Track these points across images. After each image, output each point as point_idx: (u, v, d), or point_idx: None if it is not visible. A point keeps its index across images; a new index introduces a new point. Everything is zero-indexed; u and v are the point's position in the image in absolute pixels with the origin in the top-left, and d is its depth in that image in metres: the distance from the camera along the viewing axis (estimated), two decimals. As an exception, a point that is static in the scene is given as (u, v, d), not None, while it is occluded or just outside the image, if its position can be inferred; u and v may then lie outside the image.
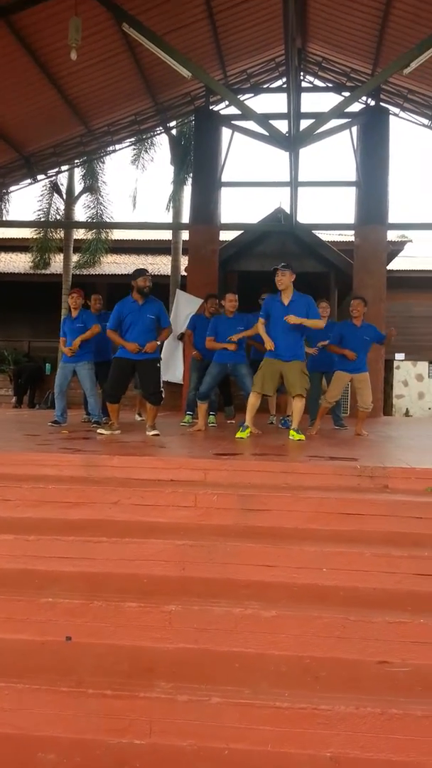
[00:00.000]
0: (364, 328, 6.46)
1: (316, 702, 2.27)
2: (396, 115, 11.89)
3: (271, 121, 9.10)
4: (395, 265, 14.62)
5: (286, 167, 10.74)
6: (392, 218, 11.40)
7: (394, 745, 2.20)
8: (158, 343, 5.47)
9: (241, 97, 11.31)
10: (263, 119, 9.03)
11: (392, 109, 11.76)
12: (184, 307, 9.89)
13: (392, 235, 13.92)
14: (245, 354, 6.46)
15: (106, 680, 2.41)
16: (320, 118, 8.98)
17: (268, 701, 2.28)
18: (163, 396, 5.63)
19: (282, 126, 9.69)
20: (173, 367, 9.58)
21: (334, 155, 53.48)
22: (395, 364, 14.27)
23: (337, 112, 9.15)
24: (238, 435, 5.44)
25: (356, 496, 3.51)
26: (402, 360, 14.58)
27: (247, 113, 9.12)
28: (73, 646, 2.66)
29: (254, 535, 3.22)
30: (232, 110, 11.52)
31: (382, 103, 11.61)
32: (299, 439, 5.39)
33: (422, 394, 14.42)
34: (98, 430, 5.67)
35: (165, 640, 2.66)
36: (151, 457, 4.12)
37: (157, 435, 5.43)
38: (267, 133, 9.08)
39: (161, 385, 5.67)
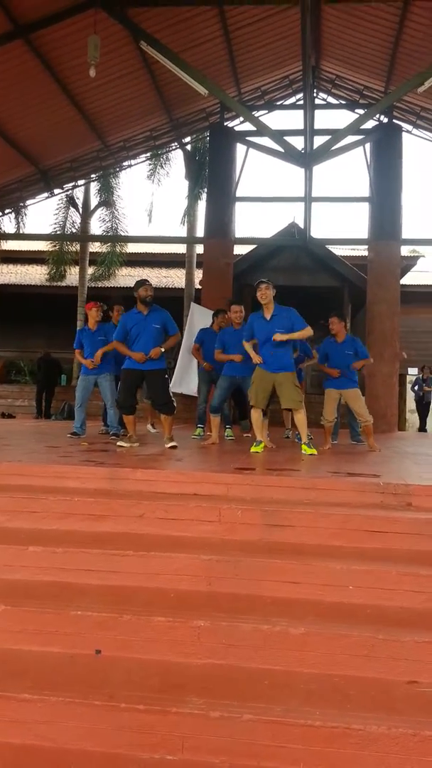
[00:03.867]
0: (347, 342, 6.46)
1: (348, 721, 2.27)
2: (409, 132, 12.01)
3: (285, 138, 9.20)
4: (408, 279, 14.65)
5: (300, 182, 10.85)
6: (405, 234, 11.47)
7: (427, 767, 2.19)
8: (162, 349, 5.42)
9: (256, 114, 11.45)
10: (279, 136, 9.14)
11: (405, 126, 11.88)
12: (199, 320, 9.94)
13: (404, 250, 13.97)
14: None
15: (137, 695, 2.42)
16: (335, 135, 9.09)
17: (299, 719, 2.29)
18: (175, 405, 5.63)
19: (296, 142, 9.82)
20: (188, 380, 9.61)
21: (348, 171, 53.72)
22: (408, 379, 14.25)
23: (353, 129, 9.27)
24: (253, 449, 5.46)
25: (380, 513, 3.52)
26: (415, 375, 14.55)
27: (263, 130, 9.24)
28: (103, 660, 2.68)
29: (279, 551, 3.23)
30: (247, 126, 11.66)
31: (395, 120, 11.72)
32: (311, 454, 5.38)
33: (435, 408, 14.34)
34: (118, 443, 5.70)
35: (194, 656, 2.67)
36: (173, 470, 4.15)
37: (174, 447, 5.45)
38: (282, 150, 9.18)
39: (171, 394, 5.68)
